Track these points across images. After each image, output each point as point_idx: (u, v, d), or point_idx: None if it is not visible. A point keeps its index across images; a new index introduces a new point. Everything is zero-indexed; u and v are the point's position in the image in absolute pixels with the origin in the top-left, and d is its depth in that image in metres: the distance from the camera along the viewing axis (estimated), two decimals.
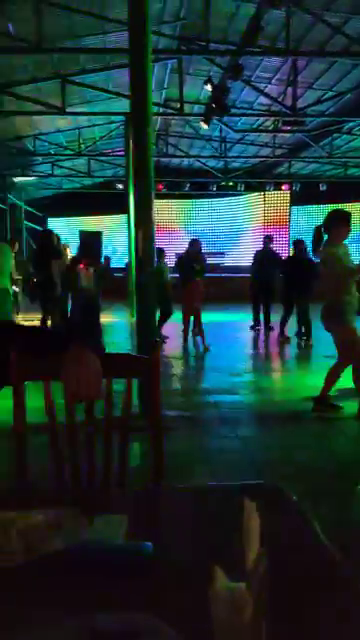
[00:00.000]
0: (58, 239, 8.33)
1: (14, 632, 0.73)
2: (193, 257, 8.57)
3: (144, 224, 4.44)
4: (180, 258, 9.12)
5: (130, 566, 0.85)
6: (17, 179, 18.44)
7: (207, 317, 10.41)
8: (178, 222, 21.50)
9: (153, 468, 1.56)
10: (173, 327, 8.74)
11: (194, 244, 8.89)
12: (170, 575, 0.88)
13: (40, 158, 16.42)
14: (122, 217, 14.65)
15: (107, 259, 7.30)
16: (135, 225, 4.56)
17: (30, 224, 20.86)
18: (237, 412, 4.76)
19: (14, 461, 1.52)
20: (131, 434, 1.60)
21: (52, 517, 0.97)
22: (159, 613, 0.74)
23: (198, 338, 8.32)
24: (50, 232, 8.61)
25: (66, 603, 0.80)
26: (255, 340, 9.29)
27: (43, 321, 7.90)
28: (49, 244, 7.83)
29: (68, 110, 10.68)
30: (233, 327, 10.68)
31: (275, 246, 10.60)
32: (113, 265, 18.94)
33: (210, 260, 18.05)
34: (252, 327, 9.87)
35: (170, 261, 9.57)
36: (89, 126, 14.49)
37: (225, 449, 3.77)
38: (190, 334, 8.55)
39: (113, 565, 0.85)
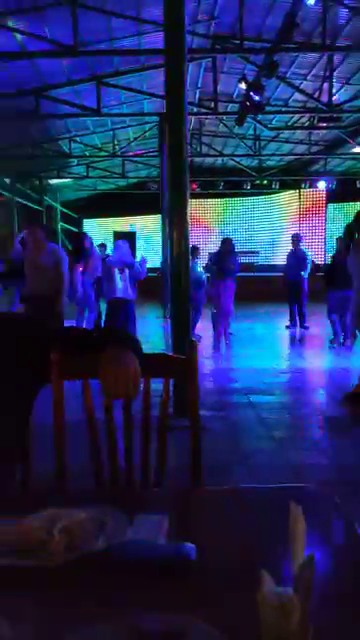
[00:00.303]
0: (91, 241, 8.43)
1: (59, 631, 0.74)
2: (225, 257, 8.54)
3: (179, 224, 4.45)
4: (212, 258, 9.10)
5: (173, 567, 0.85)
6: (53, 181, 18.75)
7: (242, 316, 10.36)
8: (212, 221, 21.45)
9: (191, 468, 1.56)
10: (203, 326, 8.72)
11: (226, 243, 8.87)
12: (213, 577, 0.87)
13: (75, 160, 16.64)
14: (156, 217, 14.72)
15: (144, 261, 7.33)
16: (169, 225, 4.57)
17: (66, 225, 21.18)
18: (272, 412, 4.71)
19: (53, 459, 1.54)
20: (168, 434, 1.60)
21: (94, 515, 0.98)
22: (202, 615, 0.73)
23: (229, 335, 8.30)
24: (83, 235, 8.71)
25: (109, 602, 0.81)
26: (290, 340, 9.19)
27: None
28: (80, 247, 7.95)
29: (103, 112, 10.78)
30: (268, 326, 10.58)
31: (309, 244, 10.50)
32: (147, 265, 19.11)
33: (244, 259, 17.97)
34: (288, 326, 9.79)
35: (204, 260, 9.55)
36: (123, 127, 14.60)
37: (261, 450, 3.74)
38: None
39: (156, 566, 0.85)
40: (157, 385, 1.56)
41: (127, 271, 6.79)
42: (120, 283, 6.78)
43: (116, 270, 6.75)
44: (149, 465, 1.57)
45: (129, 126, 14.56)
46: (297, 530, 0.65)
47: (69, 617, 0.78)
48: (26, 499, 1.30)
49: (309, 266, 9.77)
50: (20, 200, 16.93)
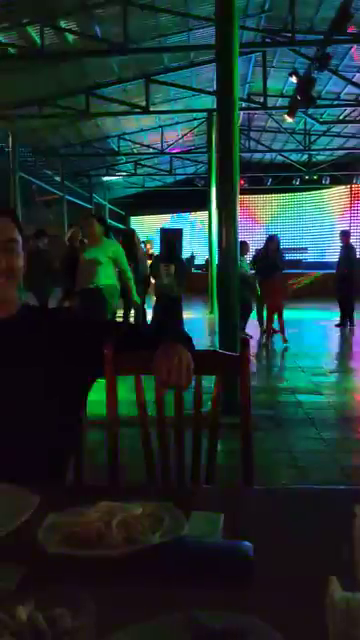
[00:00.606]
0: (138, 239, 8.51)
1: (119, 623, 0.74)
2: (272, 254, 8.44)
3: (228, 220, 4.42)
4: (258, 254, 9.02)
5: (233, 566, 0.84)
6: (105, 178, 19.01)
7: (290, 314, 10.21)
8: (259, 217, 21.23)
9: (242, 467, 1.54)
10: (251, 324, 8.65)
11: (272, 240, 8.77)
12: (273, 578, 0.86)
13: (124, 157, 16.82)
14: (204, 214, 14.70)
15: (192, 258, 7.41)
16: (218, 221, 4.55)
17: (113, 222, 21.46)
18: (321, 413, 4.62)
19: (106, 453, 1.56)
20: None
21: (151, 510, 0.99)
22: (264, 616, 0.73)
23: (277, 335, 8.19)
24: (132, 231, 8.78)
25: (168, 597, 0.81)
26: (340, 338, 8.99)
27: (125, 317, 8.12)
28: (128, 244, 8.02)
29: (152, 109, 10.84)
30: (317, 325, 10.40)
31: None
32: (195, 262, 19.16)
33: (292, 256, 17.71)
34: (338, 324, 9.58)
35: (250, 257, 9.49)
36: (172, 124, 14.64)
37: (310, 450, 3.68)
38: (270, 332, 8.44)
39: (216, 564, 0.84)
40: (205, 382, 1.55)
41: (173, 267, 6.80)
42: (166, 279, 6.80)
43: (162, 266, 6.78)
44: (200, 462, 1.57)
45: (177, 123, 14.58)
46: None
47: (128, 610, 0.79)
48: (81, 492, 1.32)
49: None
50: (70, 198, 17.26)
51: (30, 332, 1.43)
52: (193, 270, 17.36)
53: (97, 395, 1.63)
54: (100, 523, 0.95)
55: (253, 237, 18.65)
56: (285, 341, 7.83)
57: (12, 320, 1.42)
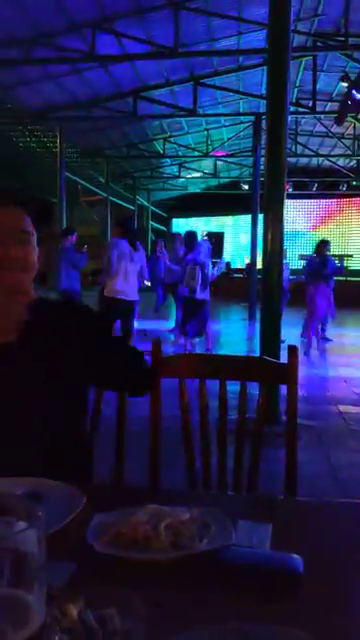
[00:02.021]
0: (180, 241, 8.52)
1: (167, 629, 0.74)
2: (319, 260, 8.31)
3: (274, 225, 4.38)
4: (310, 260, 8.89)
5: (282, 578, 0.83)
6: (145, 181, 19.17)
7: (333, 322, 10.03)
8: (304, 223, 20.96)
9: (286, 477, 1.52)
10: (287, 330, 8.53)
11: (321, 247, 8.63)
12: (322, 593, 0.84)
13: (169, 160, 16.91)
14: (245, 218, 14.61)
15: (220, 263, 7.39)
16: (264, 226, 4.51)
17: (155, 224, 21.59)
18: None
19: (148, 456, 1.56)
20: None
21: (198, 517, 0.98)
22: (312, 632, 0.71)
23: (323, 340, 8.06)
24: (178, 235, 8.81)
25: (214, 606, 0.80)
26: None
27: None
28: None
29: (199, 112, 10.87)
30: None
31: None
32: (233, 266, 19.06)
33: (337, 263, 17.33)
34: None
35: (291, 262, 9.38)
36: (217, 127, 14.64)
37: (353, 464, 3.60)
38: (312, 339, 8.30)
39: (264, 575, 0.83)
40: (233, 387, 1.53)
41: (199, 271, 6.75)
42: (192, 282, 6.77)
43: (188, 268, 6.76)
44: (242, 470, 1.55)
45: (223, 126, 14.57)
46: None
47: (175, 616, 0.78)
48: (123, 493, 1.33)
49: None
50: (113, 199, 17.47)
51: (42, 325, 1.40)
52: (235, 275, 17.29)
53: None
54: (148, 526, 0.95)
55: (295, 242, 18.43)
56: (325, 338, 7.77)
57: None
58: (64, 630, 0.72)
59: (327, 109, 11.77)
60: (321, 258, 8.29)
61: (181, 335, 7.37)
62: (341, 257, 18.75)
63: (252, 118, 12.59)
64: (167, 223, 22.83)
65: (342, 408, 4.95)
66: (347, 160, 16.96)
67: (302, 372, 6.75)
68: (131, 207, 19.32)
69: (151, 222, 21.65)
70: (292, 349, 1.62)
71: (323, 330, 8.43)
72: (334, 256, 10.18)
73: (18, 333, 1.37)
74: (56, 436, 1.37)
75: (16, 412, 1.33)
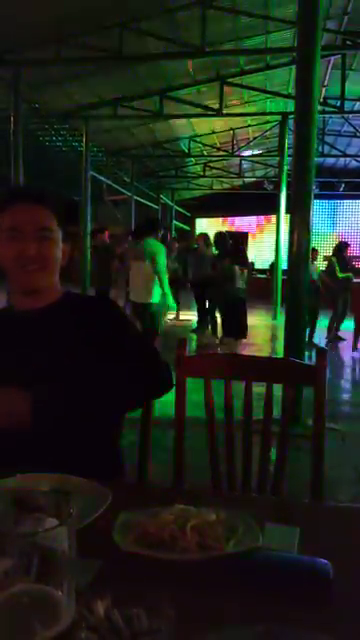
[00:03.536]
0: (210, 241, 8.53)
1: (194, 629, 0.74)
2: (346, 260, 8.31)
3: (300, 225, 4.34)
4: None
5: (311, 583, 0.81)
6: (170, 180, 19.19)
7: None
8: (330, 224, 20.75)
9: (312, 481, 1.50)
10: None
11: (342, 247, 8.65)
12: (351, 600, 0.83)
13: (193, 159, 16.89)
14: (270, 218, 14.52)
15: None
16: (290, 226, 4.47)
17: (179, 223, 21.60)
18: None
19: (173, 455, 1.56)
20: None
21: (225, 518, 0.98)
22: (339, 638, 0.70)
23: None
24: (223, 234, 8.78)
25: (243, 608, 0.79)
26: None
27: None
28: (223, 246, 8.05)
29: (225, 112, 10.83)
30: None
31: None
32: (258, 266, 18.97)
33: None
34: None
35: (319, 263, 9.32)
36: (243, 127, 14.56)
37: None
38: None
39: (294, 579, 0.82)
40: (259, 389, 1.52)
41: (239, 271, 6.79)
42: (239, 281, 6.82)
43: (237, 269, 6.82)
44: (268, 472, 1.54)
45: (249, 125, 14.49)
46: None
47: (203, 618, 0.78)
48: (149, 492, 1.33)
49: None
50: (138, 199, 17.52)
51: (66, 321, 1.39)
52: (258, 275, 17.20)
53: (166, 395, 1.63)
54: (174, 526, 0.94)
55: (322, 243, 18.23)
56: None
57: (51, 309, 1.40)
58: (91, 628, 0.72)
59: (355, 108, 11.62)
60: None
61: (225, 336, 7.44)
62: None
63: (279, 118, 12.50)
64: (191, 223, 22.81)
65: None
66: None
67: (329, 374, 6.68)
68: (155, 206, 19.36)
69: (175, 222, 21.67)
70: (321, 352, 1.60)
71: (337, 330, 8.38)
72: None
73: (40, 326, 1.38)
74: (92, 431, 1.37)
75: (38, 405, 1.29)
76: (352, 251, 18.31)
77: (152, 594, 0.81)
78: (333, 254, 8.80)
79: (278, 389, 1.60)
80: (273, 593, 0.81)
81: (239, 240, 7.51)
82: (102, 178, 15.41)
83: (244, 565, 0.86)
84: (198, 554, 0.90)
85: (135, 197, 17.10)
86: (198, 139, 14.92)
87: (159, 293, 5.35)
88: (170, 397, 1.55)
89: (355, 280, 8.92)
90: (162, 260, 5.25)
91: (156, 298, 5.36)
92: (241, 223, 22.15)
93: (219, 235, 8.06)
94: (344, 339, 8.31)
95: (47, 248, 1.35)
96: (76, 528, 0.72)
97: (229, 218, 22.23)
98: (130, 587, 0.83)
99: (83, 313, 1.44)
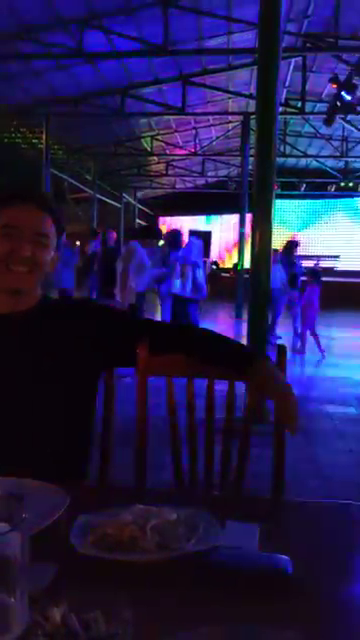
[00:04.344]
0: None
1: (154, 631, 0.73)
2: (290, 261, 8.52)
3: (262, 224, 4.38)
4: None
5: (271, 579, 0.81)
6: (132, 178, 19.12)
7: (322, 323, 10.07)
8: (292, 223, 21.08)
9: (273, 478, 1.51)
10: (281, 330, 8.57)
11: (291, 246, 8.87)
12: (311, 594, 0.83)
13: (156, 158, 16.87)
14: (232, 217, 14.65)
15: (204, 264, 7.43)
16: (253, 226, 4.51)
17: (142, 222, 21.57)
18: (350, 425, 4.54)
19: (134, 455, 1.54)
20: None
21: (186, 517, 0.97)
22: (302, 634, 0.70)
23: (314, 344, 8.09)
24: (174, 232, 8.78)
25: (202, 607, 0.79)
26: None
27: None
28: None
29: (187, 110, 10.85)
30: (347, 334, 10.24)
31: None
32: (220, 265, 19.15)
33: (323, 263, 17.52)
34: None
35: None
36: (206, 126, 14.63)
37: (340, 464, 3.61)
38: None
39: (253, 576, 0.82)
40: (221, 386, 1.52)
41: (190, 269, 6.71)
42: (178, 280, 6.73)
43: (178, 266, 6.72)
44: (229, 470, 1.54)
45: (212, 125, 14.57)
46: None
47: (162, 619, 0.77)
48: (109, 493, 1.31)
49: None
50: (100, 197, 17.39)
51: (46, 325, 1.40)
52: (222, 274, 17.35)
53: (127, 395, 1.62)
54: (134, 527, 0.93)
55: (284, 243, 18.51)
56: (321, 352, 7.72)
57: (30, 313, 1.40)
58: (47, 635, 0.70)
59: (316, 110, 11.83)
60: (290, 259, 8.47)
61: None
62: (327, 257, 18.95)
63: (241, 117, 12.62)
64: (154, 221, 22.79)
65: (330, 408, 4.97)
66: (336, 161, 17.07)
67: (290, 371, 6.78)
68: (118, 205, 19.25)
69: (138, 220, 21.62)
70: (281, 349, 1.61)
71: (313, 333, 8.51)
72: (320, 257, 10.31)
73: (21, 330, 1.38)
74: (56, 433, 1.37)
75: (18, 408, 1.34)
76: (312, 250, 18.75)
77: (110, 597, 0.80)
78: (282, 253, 9.03)
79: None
80: (234, 591, 0.81)
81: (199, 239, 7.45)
82: (63, 176, 15.22)
83: (204, 564, 0.85)
84: (157, 554, 0.89)
85: (97, 195, 16.97)
86: (160, 137, 14.92)
87: None
88: (131, 397, 1.53)
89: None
90: None
91: None
92: (205, 222, 22.26)
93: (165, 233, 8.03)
94: (280, 337, 8.45)
95: (41, 253, 1.35)
96: (31, 533, 0.70)
97: (192, 217, 22.31)
98: (87, 591, 0.81)
99: (65, 317, 1.45)
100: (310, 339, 7.91)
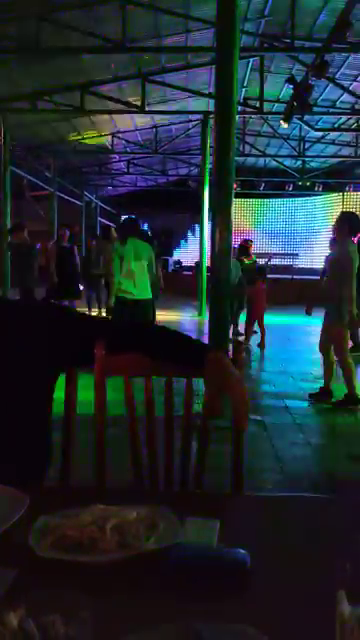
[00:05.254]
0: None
1: (114, 630, 0.72)
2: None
3: (222, 223, 4.41)
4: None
5: (230, 574, 0.82)
6: (94, 176, 18.94)
7: (278, 319, 10.24)
8: (252, 222, 21.32)
9: (233, 473, 1.52)
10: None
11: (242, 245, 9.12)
12: (270, 588, 0.84)
13: (117, 156, 16.76)
14: (193, 215, 14.71)
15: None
16: (212, 225, 4.54)
17: (104, 221, 21.41)
18: (308, 418, 4.63)
19: (94, 454, 1.53)
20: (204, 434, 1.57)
21: (145, 515, 0.97)
22: (262, 627, 0.71)
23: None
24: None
25: (164, 605, 0.79)
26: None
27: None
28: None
29: (147, 109, 10.81)
30: (307, 331, 10.42)
31: None
32: (183, 264, 19.21)
33: (282, 261, 17.83)
34: None
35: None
36: (167, 125, 14.62)
37: (299, 457, 3.67)
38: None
39: (213, 571, 0.83)
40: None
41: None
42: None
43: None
44: (189, 466, 1.55)
45: (172, 124, 14.57)
46: None
47: (123, 619, 0.77)
48: (70, 493, 1.30)
49: None
50: (61, 194, 17.15)
51: (3, 329, 1.38)
52: (184, 272, 17.40)
53: (85, 395, 1.60)
54: (93, 527, 0.92)
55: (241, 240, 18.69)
56: (262, 346, 7.95)
57: None
58: None
59: (274, 110, 11.98)
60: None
61: None
62: (286, 255, 19.27)
63: (200, 116, 12.66)
64: (117, 220, 22.66)
65: (288, 402, 5.05)
66: (293, 161, 17.35)
67: (247, 368, 6.88)
68: (78, 202, 19.03)
69: (100, 218, 21.44)
70: (238, 344, 1.63)
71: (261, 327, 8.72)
72: (278, 255, 10.52)
73: None
74: (11, 434, 1.35)
75: None
76: (270, 248, 19.02)
77: (69, 599, 0.79)
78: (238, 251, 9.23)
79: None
80: (194, 587, 0.82)
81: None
82: (22, 173, 14.94)
83: (164, 562, 0.85)
84: (118, 554, 0.89)
85: (58, 193, 16.72)
86: (121, 136, 14.82)
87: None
88: (90, 396, 1.52)
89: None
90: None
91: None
92: (167, 220, 22.25)
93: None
94: (242, 334, 8.59)
95: None
96: None
97: (156, 215, 22.28)
98: (46, 594, 0.80)
99: (19, 318, 1.43)
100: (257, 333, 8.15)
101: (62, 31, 8.06)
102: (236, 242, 8.57)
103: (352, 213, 5.37)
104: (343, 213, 5.33)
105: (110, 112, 11.77)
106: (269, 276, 9.64)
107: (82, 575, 0.86)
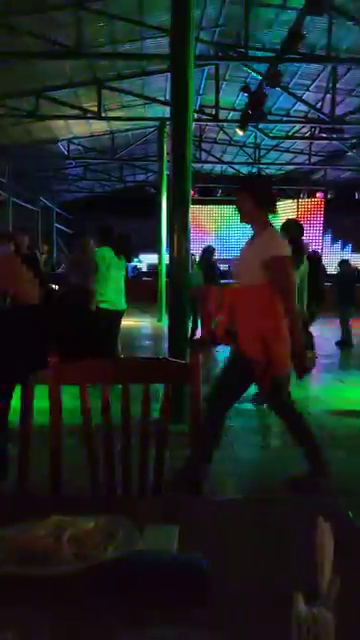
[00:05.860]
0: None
1: None
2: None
3: (180, 229, 4.43)
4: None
5: (188, 580, 0.82)
6: (51, 181, 18.71)
7: None
8: (208, 228, 21.49)
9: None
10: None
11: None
12: (228, 591, 0.84)
13: (73, 162, 16.61)
14: (152, 222, 14.72)
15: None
16: (170, 231, 4.56)
17: (61, 226, 21.14)
18: (267, 422, 4.68)
19: (49, 463, 1.51)
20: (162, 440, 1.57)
21: (103, 524, 0.95)
22: (221, 632, 0.71)
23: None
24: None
25: (122, 615, 0.78)
26: None
27: None
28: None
29: (103, 115, 10.77)
30: None
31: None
32: (144, 270, 19.17)
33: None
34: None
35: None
36: (124, 131, 14.60)
37: (256, 459, 3.71)
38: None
39: (171, 578, 0.82)
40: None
41: None
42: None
43: None
44: (148, 472, 1.54)
45: (128, 130, 14.57)
46: (325, 545, 0.63)
47: (82, 631, 0.75)
48: (26, 504, 1.27)
49: None
50: (16, 200, 16.84)
51: None
52: (144, 278, 17.38)
53: (41, 403, 1.57)
54: (49, 538, 0.90)
55: (201, 247, 18.83)
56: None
57: None
58: None
59: (230, 118, 12.14)
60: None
61: None
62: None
63: (157, 123, 12.70)
64: (74, 225, 22.42)
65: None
66: (249, 168, 17.61)
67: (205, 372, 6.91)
68: (34, 208, 18.74)
69: (56, 224, 21.17)
70: (193, 349, 1.63)
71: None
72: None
73: None
74: None
75: None
76: (229, 254, 19.22)
77: (26, 614, 0.77)
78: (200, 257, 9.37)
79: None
80: (152, 595, 0.81)
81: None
82: None
83: (122, 571, 0.84)
84: (74, 565, 0.87)
85: (12, 198, 16.41)
86: (77, 141, 14.70)
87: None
88: (45, 405, 1.50)
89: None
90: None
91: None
92: (126, 225, 22.16)
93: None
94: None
95: None
96: None
97: (113, 221, 22.19)
98: (2, 610, 0.78)
99: None
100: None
101: (16, 35, 7.94)
102: (196, 249, 8.68)
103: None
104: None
105: (65, 117, 11.66)
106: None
107: (39, 589, 0.84)
